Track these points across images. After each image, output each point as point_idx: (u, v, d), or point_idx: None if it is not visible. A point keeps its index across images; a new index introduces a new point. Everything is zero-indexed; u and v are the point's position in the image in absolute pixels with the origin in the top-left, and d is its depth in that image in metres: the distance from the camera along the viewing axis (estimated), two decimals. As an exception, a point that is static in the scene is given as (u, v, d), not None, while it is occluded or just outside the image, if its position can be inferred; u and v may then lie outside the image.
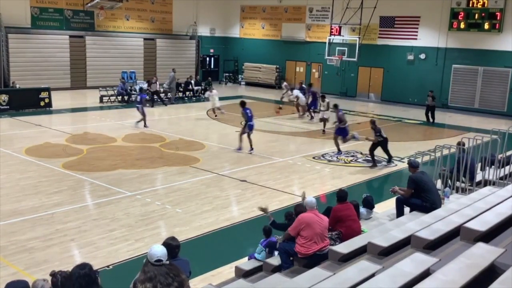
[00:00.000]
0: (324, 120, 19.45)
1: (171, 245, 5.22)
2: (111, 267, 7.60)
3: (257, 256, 7.22)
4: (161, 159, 14.46)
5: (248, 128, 15.53)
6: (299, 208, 7.05)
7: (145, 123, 18.91)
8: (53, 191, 11.12)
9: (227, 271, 7.56)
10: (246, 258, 7.57)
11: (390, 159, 14.72)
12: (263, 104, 26.80)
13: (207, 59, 36.95)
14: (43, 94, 22.29)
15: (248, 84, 35.34)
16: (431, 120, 23.08)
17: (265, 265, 6.92)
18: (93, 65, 29.89)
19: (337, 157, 15.33)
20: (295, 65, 34.14)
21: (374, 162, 14.41)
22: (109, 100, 24.86)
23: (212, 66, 37.40)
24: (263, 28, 35.58)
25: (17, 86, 23.71)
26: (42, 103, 22.04)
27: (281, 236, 7.08)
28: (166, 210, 10.29)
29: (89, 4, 28.23)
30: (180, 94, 28.11)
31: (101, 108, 24.00)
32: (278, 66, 34.40)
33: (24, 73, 26.63)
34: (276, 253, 7.08)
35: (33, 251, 8.08)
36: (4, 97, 21.15)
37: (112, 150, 15.34)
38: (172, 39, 33.88)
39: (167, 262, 4.39)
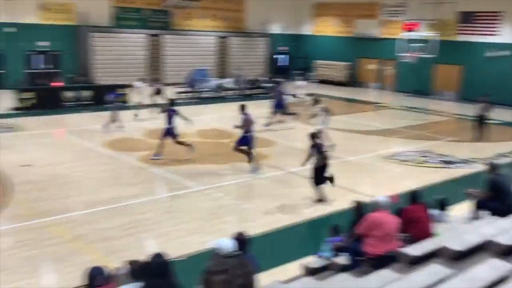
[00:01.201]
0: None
1: (240, 239, 5.34)
2: (183, 258, 7.87)
3: (324, 254, 7.20)
4: (233, 155, 14.69)
5: (243, 141, 12.78)
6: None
7: (106, 124, 17.11)
8: (131, 183, 11.66)
9: (293, 268, 7.59)
10: (313, 256, 7.57)
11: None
12: (335, 102, 26.51)
13: (278, 56, 37.07)
14: (122, 91, 23.32)
15: (319, 81, 35.09)
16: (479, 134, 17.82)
17: (332, 264, 6.89)
18: (168, 62, 30.89)
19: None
20: (367, 62, 33.50)
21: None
22: (183, 97, 25.57)
23: (282, 64, 37.47)
24: (335, 25, 35.18)
25: (99, 82, 24.98)
26: (121, 99, 23.07)
27: (347, 235, 7.02)
28: (235, 205, 10.48)
29: (166, 4, 29.23)
30: (249, 91, 28.39)
31: (176, 104, 24.66)
32: (350, 63, 33.90)
33: (106, 70, 28.03)
34: (343, 252, 7.03)
35: (110, 240, 8.53)
36: (88, 93, 22.42)
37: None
38: (244, 37, 34.30)
39: (237, 254, 4.52)
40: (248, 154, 12.84)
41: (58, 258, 7.79)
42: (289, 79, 29.77)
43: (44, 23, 26.89)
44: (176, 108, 14.11)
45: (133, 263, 4.80)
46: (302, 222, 9.80)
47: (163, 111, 14.07)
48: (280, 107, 19.16)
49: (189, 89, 26.09)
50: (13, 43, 26.09)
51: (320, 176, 10.56)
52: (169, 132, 13.63)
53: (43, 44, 27.22)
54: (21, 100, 20.79)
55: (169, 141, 13.73)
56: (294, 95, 20.94)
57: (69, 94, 22.02)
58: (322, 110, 15.66)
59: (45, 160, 13.41)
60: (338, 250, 7.12)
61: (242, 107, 12.94)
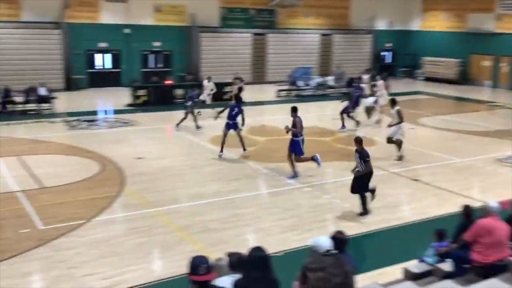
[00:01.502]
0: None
1: (339, 238, 5.30)
2: (281, 253, 7.98)
3: (427, 259, 6.91)
4: (331, 154, 14.61)
5: (293, 146, 12.06)
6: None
7: (179, 123, 17.33)
8: (232, 178, 12.03)
9: (394, 271, 7.38)
10: (416, 260, 7.29)
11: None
12: (443, 101, 25.25)
13: (383, 53, 36.02)
14: (228, 88, 24.08)
15: (427, 79, 33.57)
16: None
17: (436, 270, 6.59)
18: (272, 61, 31.32)
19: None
20: (480, 59, 31.40)
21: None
22: (285, 95, 25.84)
23: (388, 61, 36.35)
24: (445, 19, 33.40)
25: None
26: (227, 96, 23.84)
27: (453, 240, 6.67)
28: (335, 204, 10.40)
29: (272, 3, 29.68)
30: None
31: (278, 102, 25.04)
32: (461, 60, 32.02)
33: (212, 68, 29.08)
34: (448, 258, 6.70)
35: (212, 232, 8.87)
36: (197, 91, 23.40)
37: (286, 142, 15.91)
38: (348, 34, 33.77)
39: (335, 253, 4.49)
40: (301, 159, 12.09)
41: (165, 246, 8.26)
42: (393, 77, 28.83)
43: (157, 24, 28.53)
44: (241, 106, 14.28)
45: (233, 255, 4.93)
46: (404, 225, 9.48)
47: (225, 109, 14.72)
48: (353, 107, 18.11)
49: (291, 87, 26.23)
50: (129, 43, 28.01)
51: (361, 184, 9.79)
52: (231, 126, 14.01)
53: (156, 44, 28.90)
54: (135, 97, 22.26)
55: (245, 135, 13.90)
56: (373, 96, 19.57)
57: (178, 91, 23.16)
58: (397, 113, 14.19)
59: (156, 154, 14.26)
60: (443, 256, 6.79)
61: (294, 109, 12.25)
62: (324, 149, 15.13)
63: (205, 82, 21.30)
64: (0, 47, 24.48)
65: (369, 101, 19.27)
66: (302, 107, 22.60)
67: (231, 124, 13.98)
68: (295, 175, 12.06)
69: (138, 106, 21.90)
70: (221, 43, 29.80)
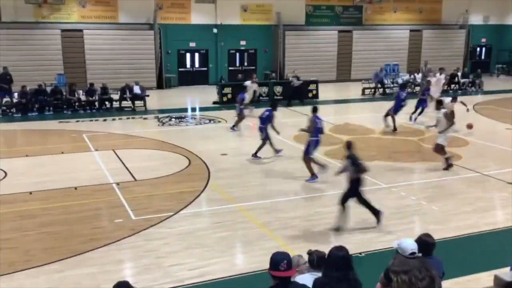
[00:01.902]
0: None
1: (427, 241, 5.12)
2: (363, 254, 7.86)
3: (521, 268, 6.50)
4: (418, 154, 14.12)
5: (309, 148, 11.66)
6: None
7: (235, 125, 17.22)
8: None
9: (485, 278, 7.01)
10: (508, 268, 6.88)
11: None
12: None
13: (478, 49, 34.14)
14: (312, 86, 24.04)
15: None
16: None
17: (531, 279, 6.18)
18: (358, 58, 30.79)
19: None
20: None
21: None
22: (370, 93, 25.31)
23: (482, 57, 34.41)
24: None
25: (290, 78, 26.07)
26: (310, 95, 23.81)
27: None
28: (421, 206, 10.05)
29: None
30: (445, 87, 26.70)
31: (363, 100, 24.58)
32: None
33: (296, 66, 29.13)
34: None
35: (294, 229, 8.92)
36: (279, 89, 23.62)
37: (370, 141, 15.66)
38: (440, 30, 32.40)
39: (420, 256, 4.37)
40: (306, 161, 11.63)
41: (247, 241, 8.44)
42: (488, 73, 27.24)
43: (244, 23, 29.07)
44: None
45: (314, 253, 4.93)
46: (499, 230, 8.96)
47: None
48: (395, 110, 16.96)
49: (377, 85, 25.63)
50: (217, 43, 28.80)
51: (352, 190, 8.94)
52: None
53: (242, 43, 29.47)
54: (221, 95, 22.84)
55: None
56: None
57: (263, 89, 23.45)
58: (444, 116, 12.58)
59: (239, 150, 14.57)
60: (539, 265, 6.36)
61: (314, 109, 11.77)
62: (410, 148, 14.66)
63: (248, 83, 20.60)
64: (98, 47, 26.18)
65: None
66: (387, 106, 22.07)
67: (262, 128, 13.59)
68: (313, 178, 11.55)
69: (223, 103, 22.46)
70: (306, 41, 29.77)
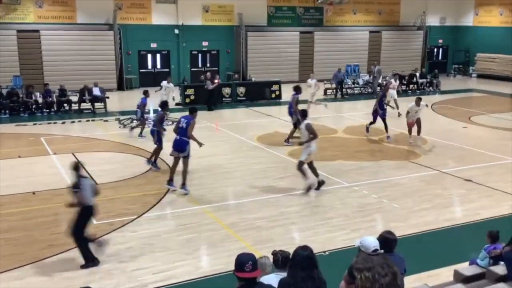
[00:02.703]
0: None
1: (388, 238, 5.21)
2: (327, 253, 7.95)
3: (479, 262, 6.71)
4: (380, 153, 14.39)
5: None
6: None
7: (141, 132, 16.31)
8: (279, 177, 12.06)
9: (445, 273, 7.21)
10: (467, 263, 7.10)
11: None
12: (496, 99, 24.36)
13: (435, 50, 35.09)
14: (274, 87, 24.14)
15: (480, 76, 32.46)
16: None
17: (489, 273, 6.39)
18: (319, 59, 31.11)
19: None
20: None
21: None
22: (332, 93, 25.61)
23: (440, 58, 35.39)
24: (501, 14, 32.17)
25: (253, 79, 26.15)
26: (273, 95, 23.90)
27: (507, 243, 6.44)
28: (383, 204, 10.25)
29: (320, 0, 29.51)
30: (404, 87, 27.35)
31: (325, 100, 24.83)
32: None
33: (259, 67, 29.21)
34: (501, 261, 6.48)
35: (259, 230, 8.93)
36: (242, 89, 23.62)
37: (333, 141, 15.86)
38: (398, 31, 33.14)
39: (383, 253, 4.44)
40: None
41: (213, 243, 8.39)
42: (445, 73, 28.02)
43: (205, 24, 28.94)
44: None
45: (278, 253, 4.95)
46: (456, 226, 9.23)
47: None
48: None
49: (337, 86, 25.96)
50: (179, 43, 28.56)
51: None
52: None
53: (204, 44, 29.33)
54: (184, 96, 22.66)
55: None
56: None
57: (226, 90, 23.40)
58: (306, 128, 10.95)
59: (203, 152, 14.43)
60: (496, 259, 6.58)
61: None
62: (371, 148, 14.93)
63: (164, 83, 20.49)
64: (56, 48, 25.51)
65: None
66: (349, 106, 22.44)
67: None
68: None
69: (186, 105, 22.26)
70: (268, 42, 29.88)
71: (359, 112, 20.39)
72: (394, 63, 30.52)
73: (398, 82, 20.15)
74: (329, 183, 11.53)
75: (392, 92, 20.00)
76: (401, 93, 24.08)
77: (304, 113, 11.00)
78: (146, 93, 16.90)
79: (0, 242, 8.33)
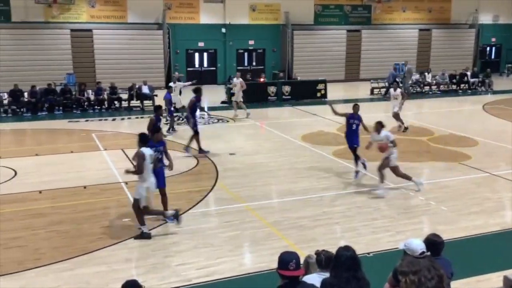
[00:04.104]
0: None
1: (435, 241, 5.09)
2: (371, 254, 7.84)
3: (531, 269, 6.45)
4: (428, 154, 14.05)
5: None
6: None
7: (170, 127, 16.76)
8: (323, 176, 11.99)
9: (494, 279, 6.97)
10: (519, 269, 6.84)
11: None
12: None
13: (487, 49, 33.91)
14: (320, 86, 24.00)
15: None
16: None
17: (541, 280, 6.13)
18: (366, 58, 30.69)
19: None
20: None
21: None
22: (379, 92, 25.22)
23: (492, 57, 34.17)
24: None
25: (298, 78, 26.10)
26: (318, 94, 23.78)
27: None
28: (430, 206, 10.00)
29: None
30: (454, 87, 26.61)
31: (372, 99, 24.50)
32: None
33: (305, 66, 29.11)
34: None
35: (302, 229, 8.91)
36: (287, 88, 23.60)
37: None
38: (449, 29, 32.22)
39: (429, 256, 4.35)
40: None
41: (255, 241, 8.44)
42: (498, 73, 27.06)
43: (252, 23, 29.09)
44: None
45: (322, 253, 4.93)
46: (508, 230, 8.89)
47: None
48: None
49: (387, 85, 25.53)
50: (225, 42, 28.84)
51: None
52: None
53: (251, 42, 29.50)
54: (230, 94, 22.84)
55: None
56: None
57: (271, 89, 23.46)
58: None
59: (248, 150, 14.58)
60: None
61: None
62: (420, 148, 14.59)
63: (234, 80, 20.65)
64: (107, 47, 26.30)
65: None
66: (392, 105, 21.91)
67: None
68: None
69: (232, 103, 22.45)
70: (314, 41, 29.74)
71: (406, 111, 19.91)
72: (444, 62, 29.73)
73: (398, 91, 17.11)
74: (375, 184, 11.36)
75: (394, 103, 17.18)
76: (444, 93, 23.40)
77: (142, 138, 8.89)
78: (169, 89, 17.55)
79: (52, 234, 8.67)
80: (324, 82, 24.17)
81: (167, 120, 17.09)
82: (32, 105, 20.51)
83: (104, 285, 6.94)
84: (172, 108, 17.21)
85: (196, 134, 13.82)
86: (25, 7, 24.89)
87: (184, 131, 16.37)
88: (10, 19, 24.95)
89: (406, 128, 16.66)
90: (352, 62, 30.85)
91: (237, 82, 20.28)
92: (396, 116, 16.71)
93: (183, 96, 18.44)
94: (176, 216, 8.71)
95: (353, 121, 11.89)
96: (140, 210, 8.45)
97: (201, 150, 13.79)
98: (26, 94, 20.84)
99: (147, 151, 8.51)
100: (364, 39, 30.75)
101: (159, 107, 12.66)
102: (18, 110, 20.54)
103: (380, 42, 30.81)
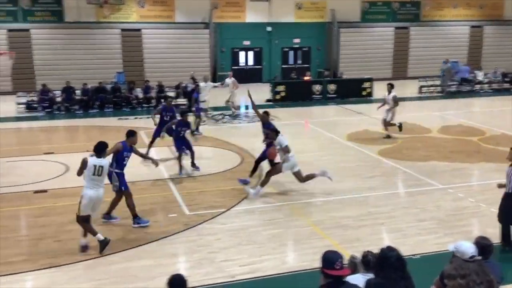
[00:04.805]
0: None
1: (484, 245, 4.96)
2: (417, 256, 7.68)
3: None
4: (478, 154, 13.62)
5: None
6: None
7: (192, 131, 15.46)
8: (368, 176, 11.84)
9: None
10: None
11: None
12: None
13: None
14: (366, 84, 23.68)
15: None
16: None
17: None
18: (415, 55, 30.04)
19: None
20: None
21: None
22: (428, 91, 24.63)
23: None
24: None
25: (344, 76, 25.84)
26: (364, 93, 23.46)
27: None
28: (480, 208, 9.70)
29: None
30: (507, 85, 25.63)
31: (420, 98, 23.96)
32: None
33: (351, 64, 28.78)
34: None
35: (346, 228, 8.84)
36: (333, 87, 23.41)
37: (426, 141, 15.26)
38: (502, 26, 31.05)
39: (478, 260, 4.25)
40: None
41: (299, 239, 8.44)
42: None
43: (298, 21, 29.01)
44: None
45: (369, 254, 4.89)
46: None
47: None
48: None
49: (437, 83, 24.92)
50: (271, 41, 28.90)
51: None
52: None
53: (296, 41, 29.43)
54: (275, 93, 22.90)
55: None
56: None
57: (316, 87, 23.33)
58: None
59: (293, 148, 14.52)
60: None
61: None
62: (470, 148, 14.16)
63: (227, 80, 20.18)
64: (156, 46, 26.88)
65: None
66: (446, 104, 21.45)
67: None
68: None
69: (277, 101, 22.50)
70: (361, 38, 29.37)
71: (456, 110, 19.40)
72: (497, 60, 28.70)
73: (392, 94, 15.62)
74: (421, 184, 11.14)
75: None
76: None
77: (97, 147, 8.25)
78: (197, 88, 17.78)
79: (101, 227, 8.92)
80: (370, 80, 23.83)
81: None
82: (84, 103, 21.22)
83: (150, 279, 7.12)
84: (200, 107, 17.21)
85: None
86: (77, 7, 25.76)
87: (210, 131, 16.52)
88: (63, 19, 25.88)
89: (399, 126, 15.34)
90: (400, 60, 30.26)
91: (230, 82, 20.15)
92: (386, 123, 15.41)
93: (211, 97, 18.57)
94: (103, 244, 7.90)
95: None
96: (83, 221, 7.96)
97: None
98: (78, 92, 21.58)
99: (92, 161, 7.93)
100: (412, 37, 30.10)
101: (185, 111, 12.60)
102: (70, 107, 21.29)
103: (429, 40, 30.06)
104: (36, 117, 20.13)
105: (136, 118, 19.67)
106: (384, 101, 15.74)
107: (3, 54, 17.72)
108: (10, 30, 25.04)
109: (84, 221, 7.98)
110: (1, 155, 14.03)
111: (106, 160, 8.16)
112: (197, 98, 17.39)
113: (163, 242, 8.34)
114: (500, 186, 8.05)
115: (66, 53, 25.51)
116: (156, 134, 13.29)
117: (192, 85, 18.71)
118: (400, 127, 15.27)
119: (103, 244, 7.90)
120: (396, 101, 15.25)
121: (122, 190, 8.91)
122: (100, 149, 8.10)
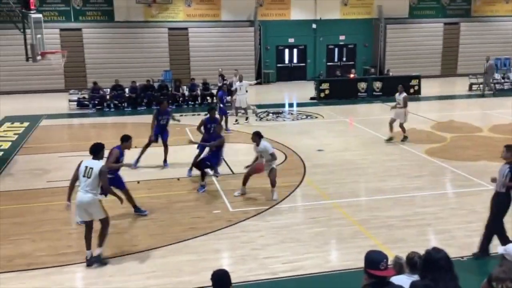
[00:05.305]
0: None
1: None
2: (465, 258, 7.49)
3: None
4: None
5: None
6: None
7: (226, 124, 16.35)
8: (415, 175, 11.60)
9: None
10: None
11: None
12: None
13: None
14: (413, 82, 23.17)
15: None
16: None
17: None
18: (465, 52, 29.16)
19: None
20: None
21: None
22: (478, 88, 23.85)
23: None
24: None
25: (390, 73, 25.36)
26: (411, 90, 22.96)
27: None
28: (533, 211, 9.32)
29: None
30: None
31: (470, 96, 23.25)
32: None
33: (398, 61, 28.23)
34: None
35: (391, 228, 8.70)
36: (378, 84, 23.03)
37: (476, 140, 14.81)
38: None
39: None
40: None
41: (342, 238, 8.38)
42: None
43: (343, 18, 28.70)
44: None
45: (416, 256, 4.81)
46: None
47: None
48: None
49: (487, 80, 24.08)
50: (315, 38, 28.72)
51: None
52: None
53: (341, 38, 29.13)
54: (319, 90, 22.75)
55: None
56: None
57: (361, 85, 23.02)
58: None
59: (336, 146, 14.46)
60: None
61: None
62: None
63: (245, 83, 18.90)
64: (202, 44, 27.23)
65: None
66: (497, 102, 20.72)
67: None
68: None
69: (321, 99, 22.36)
70: (408, 35, 28.77)
71: (508, 109, 18.68)
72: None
73: (403, 95, 14.76)
74: (471, 185, 10.83)
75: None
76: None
77: (92, 149, 7.90)
78: (222, 87, 17.87)
79: (148, 222, 9.20)
80: (418, 77, 23.31)
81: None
82: (132, 100, 21.75)
83: (194, 273, 7.25)
84: (222, 106, 16.88)
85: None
86: (127, 7, 26.42)
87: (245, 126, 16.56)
88: (113, 19, 26.60)
89: (405, 137, 14.73)
90: (449, 57, 29.43)
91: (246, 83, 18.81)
92: (402, 127, 14.76)
93: (248, 95, 18.56)
94: (99, 260, 7.63)
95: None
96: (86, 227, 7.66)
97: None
98: (126, 90, 22.14)
99: (85, 162, 7.58)
100: (462, 32, 29.21)
101: (212, 109, 12.36)
102: (119, 104, 21.87)
103: (480, 36, 29.09)
104: (87, 114, 20.82)
105: (181, 115, 19.98)
106: (396, 102, 15.02)
107: (56, 53, 18.44)
108: (62, 30, 25.94)
109: (86, 227, 7.68)
110: (54, 150, 14.61)
111: (101, 163, 7.60)
112: (222, 97, 17.30)
113: (207, 238, 8.47)
114: (493, 180, 7.74)
115: (116, 51, 26.25)
116: (155, 138, 12.86)
117: (238, 82, 18.53)
118: (405, 138, 14.70)
119: (91, 260, 7.54)
120: (406, 101, 14.68)
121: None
122: (95, 150, 7.69)
